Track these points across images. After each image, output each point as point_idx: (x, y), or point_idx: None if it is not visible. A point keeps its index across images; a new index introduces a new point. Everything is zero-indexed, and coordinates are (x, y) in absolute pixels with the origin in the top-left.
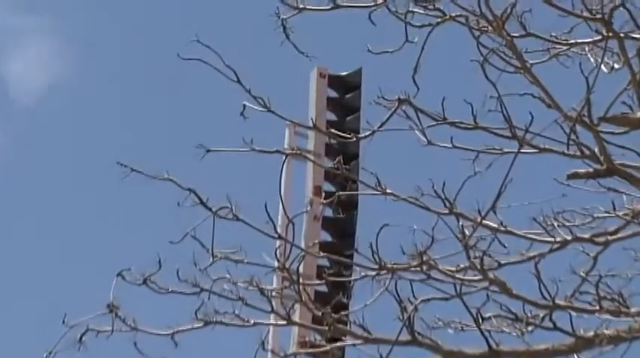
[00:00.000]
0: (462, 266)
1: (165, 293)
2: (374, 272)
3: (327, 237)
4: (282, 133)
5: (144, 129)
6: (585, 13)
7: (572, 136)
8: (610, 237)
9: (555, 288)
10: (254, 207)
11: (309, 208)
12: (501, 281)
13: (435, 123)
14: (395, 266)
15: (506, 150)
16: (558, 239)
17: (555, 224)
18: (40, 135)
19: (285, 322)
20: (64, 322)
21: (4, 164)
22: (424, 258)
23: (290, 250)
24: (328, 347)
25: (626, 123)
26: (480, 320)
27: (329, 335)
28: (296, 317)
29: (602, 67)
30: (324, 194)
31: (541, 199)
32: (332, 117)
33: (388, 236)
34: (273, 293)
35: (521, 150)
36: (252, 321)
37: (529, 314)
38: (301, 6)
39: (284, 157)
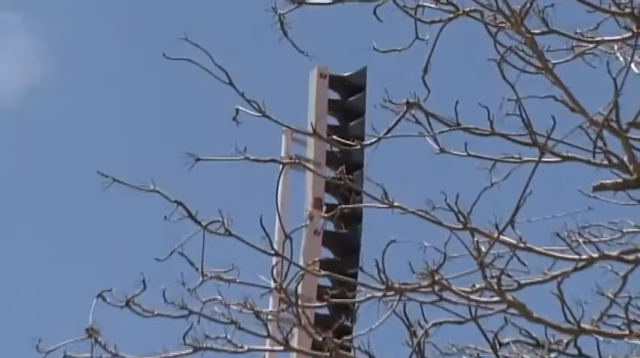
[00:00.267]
0: (477, 286)
1: (151, 316)
2: (380, 293)
3: (328, 254)
4: (278, 140)
5: (128, 135)
6: (613, 8)
7: (599, 143)
8: None
9: (580, 311)
10: (248, 221)
11: (308, 222)
12: (521, 303)
13: (447, 128)
14: (403, 286)
15: (525, 158)
16: (584, 256)
17: (580, 240)
18: (16, 141)
19: (282, 348)
20: (38, 348)
21: None
22: (435, 278)
23: (288, 269)
24: None
25: None
26: (498, 346)
27: None
28: (294, 343)
29: (632, 66)
30: (325, 207)
31: (564, 212)
32: (334, 122)
33: (396, 253)
34: (270, 317)
35: (543, 159)
36: (246, 347)
37: (551, 340)
38: (300, 0)
39: (281, 167)
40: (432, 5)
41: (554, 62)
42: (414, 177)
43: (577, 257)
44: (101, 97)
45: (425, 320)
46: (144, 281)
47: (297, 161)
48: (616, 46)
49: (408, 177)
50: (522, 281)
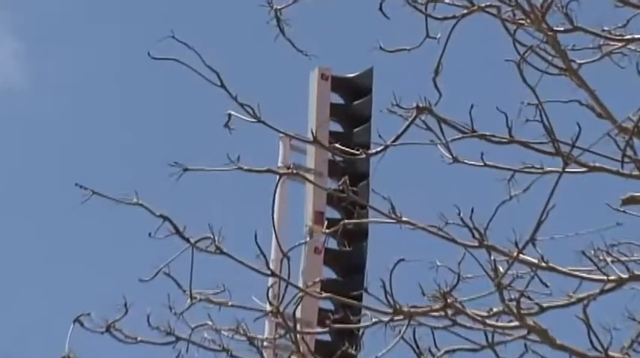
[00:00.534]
0: (494, 310)
1: (133, 343)
2: (387, 317)
3: (330, 273)
4: (275, 148)
5: (111, 142)
6: None
7: (628, 152)
8: None
9: (609, 337)
10: (241, 237)
11: (308, 239)
12: (542, 328)
13: (461, 135)
14: (413, 309)
15: (548, 169)
16: (612, 277)
17: (608, 259)
18: None
19: None
20: None
21: None
22: (448, 300)
23: (285, 290)
24: None
25: None
26: None
27: None
28: None
29: None
30: (326, 222)
31: (591, 229)
32: (336, 128)
33: (404, 273)
34: (265, 343)
35: (567, 169)
36: None
37: None
38: None
39: (277, 177)
40: (445, 0)
41: (579, 62)
42: (424, 189)
43: (605, 278)
44: (80, 102)
45: (436, 347)
46: (126, 305)
47: (295, 171)
48: None
49: (417, 189)
50: (544, 305)
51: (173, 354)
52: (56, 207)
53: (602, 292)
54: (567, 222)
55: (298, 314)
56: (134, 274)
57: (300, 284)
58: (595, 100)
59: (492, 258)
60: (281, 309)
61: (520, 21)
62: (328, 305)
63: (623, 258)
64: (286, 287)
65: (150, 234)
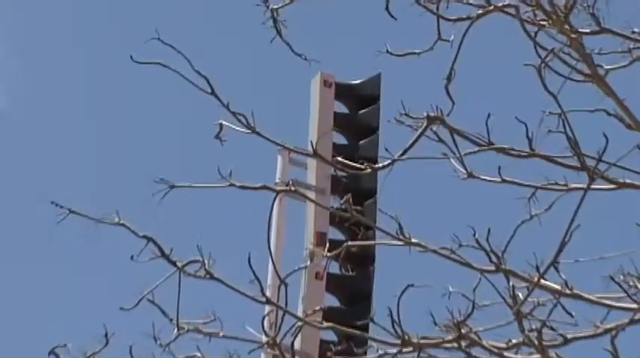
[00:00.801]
0: (513, 341)
1: None
2: (395, 349)
3: (333, 301)
4: (273, 162)
5: (89, 156)
6: None
7: None
8: None
9: None
10: (235, 260)
11: (308, 263)
12: None
13: (477, 148)
14: (423, 340)
15: (572, 185)
16: None
17: (639, 285)
18: None
19: None
20: None
21: None
22: (462, 331)
23: (282, 319)
24: None
25: None
26: None
27: None
28: None
29: None
30: (329, 244)
31: (620, 251)
32: (340, 140)
33: (414, 300)
34: None
35: (593, 186)
36: None
37: None
38: None
39: (274, 195)
40: None
41: (606, 68)
42: (435, 207)
43: (635, 306)
44: (59, 112)
45: None
46: (106, 335)
47: (294, 188)
48: None
49: (428, 207)
50: (568, 336)
51: None
52: (30, 226)
53: (632, 322)
54: (594, 243)
55: (297, 345)
56: (115, 301)
57: (300, 313)
58: (624, 110)
59: (511, 283)
60: (278, 340)
61: (541, 22)
62: (330, 336)
63: None
64: (283, 315)
65: (132, 257)
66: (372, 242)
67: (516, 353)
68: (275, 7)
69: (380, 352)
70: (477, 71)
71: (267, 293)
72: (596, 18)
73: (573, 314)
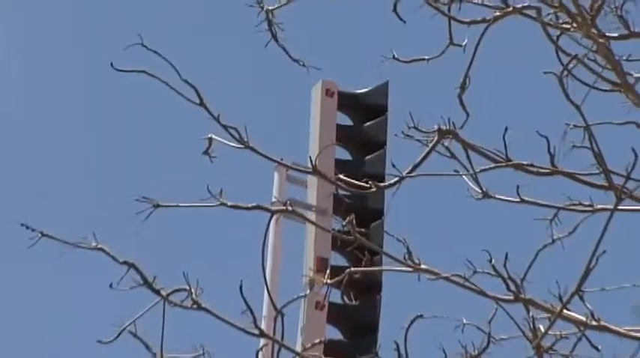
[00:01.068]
0: None
1: None
2: None
3: (335, 333)
4: (268, 179)
5: (66, 173)
6: None
7: None
8: None
9: None
10: (225, 288)
11: (308, 291)
12: None
13: (493, 165)
14: None
15: (598, 206)
16: None
17: None
18: None
19: None
20: None
21: None
22: None
23: (278, 353)
24: None
25: None
26: None
27: None
28: None
29: None
30: (330, 270)
31: None
32: (343, 155)
33: (423, 332)
34: None
35: (620, 206)
36: None
37: None
38: None
39: (270, 216)
40: (473, 0)
41: (635, 76)
42: (447, 230)
43: None
44: (33, 121)
45: None
46: None
47: (292, 208)
48: None
49: (439, 230)
50: None
51: None
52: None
53: None
54: (622, 270)
55: None
56: (93, 333)
57: (298, 347)
58: None
59: (531, 314)
60: None
61: (564, 25)
62: None
63: None
64: (279, 350)
65: (111, 285)
66: (378, 268)
67: None
68: (270, 7)
69: None
70: (494, 79)
71: (262, 325)
72: (625, 21)
73: (600, 348)
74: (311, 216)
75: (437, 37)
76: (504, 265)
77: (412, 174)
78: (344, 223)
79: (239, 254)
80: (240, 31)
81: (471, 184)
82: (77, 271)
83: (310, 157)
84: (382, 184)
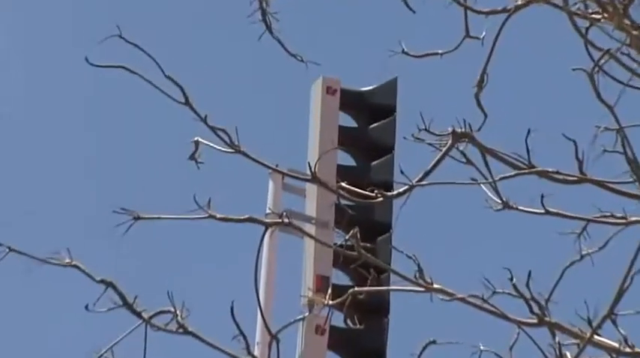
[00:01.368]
0: None
1: None
2: None
3: None
4: (263, 188)
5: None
6: None
7: None
8: None
9: None
10: (214, 310)
11: (307, 314)
12: None
13: (514, 172)
14: None
15: (632, 218)
16: None
17: None
18: None
19: None
20: None
21: None
22: None
23: None
24: None
25: None
26: None
27: None
28: None
29: None
30: (331, 289)
31: None
32: (347, 161)
33: (436, 357)
34: None
35: None
36: None
37: None
38: None
39: (264, 229)
40: None
41: None
42: (463, 244)
43: None
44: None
45: None
46: None
47: (289, 220)
48: None
49: (454, 244)
50: None
51: None
52: None
53: None
54: None
55: None
56: (71, 356)
57: None
58: None
59: (557, 339)
60: None
61: (594, 16)
62: None
63: None
64: None
65: (87, 307)
66: (386, 288)
67: None
68: None
69: None
70: (515, 76)
71: (255, 352)
72: None
73: None
74: (310, 229)
75: (451, 29)
76: (527, 284)
77: (423, 183)
78: (347, 237)
79: (230, 271)
80: (231, 22)
81: (489, 193)
82: (49, 290)
83: (309, 163)
84: (390, 193)
